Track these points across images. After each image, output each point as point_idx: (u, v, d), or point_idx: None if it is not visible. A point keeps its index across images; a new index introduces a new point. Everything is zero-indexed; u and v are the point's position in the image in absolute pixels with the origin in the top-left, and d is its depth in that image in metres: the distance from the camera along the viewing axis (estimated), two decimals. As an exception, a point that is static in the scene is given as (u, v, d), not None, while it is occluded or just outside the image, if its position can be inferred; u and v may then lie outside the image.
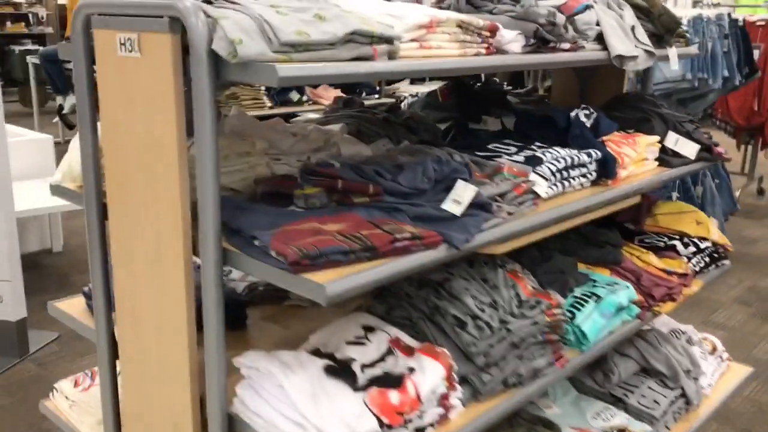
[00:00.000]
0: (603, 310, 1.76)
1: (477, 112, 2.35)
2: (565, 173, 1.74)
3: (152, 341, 1.48)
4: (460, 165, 1.52)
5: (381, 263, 1.27)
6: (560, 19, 1.73)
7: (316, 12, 1.31)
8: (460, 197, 1.44)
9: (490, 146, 1.86)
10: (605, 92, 2.50)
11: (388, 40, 1.36)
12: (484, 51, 1.59)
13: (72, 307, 1.91)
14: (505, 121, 2.37)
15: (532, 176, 1.65)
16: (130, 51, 1.34)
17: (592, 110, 2.00)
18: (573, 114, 1.96)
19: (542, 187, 1.65)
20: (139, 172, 1.40)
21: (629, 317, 1.87)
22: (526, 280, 1.66)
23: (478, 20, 1.57)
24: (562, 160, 1.74)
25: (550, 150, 1.77)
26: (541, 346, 1.58)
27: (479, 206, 1.46)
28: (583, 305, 1.75)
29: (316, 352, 1.44)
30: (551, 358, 1.61)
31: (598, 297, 1.78)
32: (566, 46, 1.79)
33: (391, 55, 1.37)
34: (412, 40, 1.45)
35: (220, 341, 1.33)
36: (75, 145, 1.64)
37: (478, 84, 2.67)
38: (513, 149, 1.83)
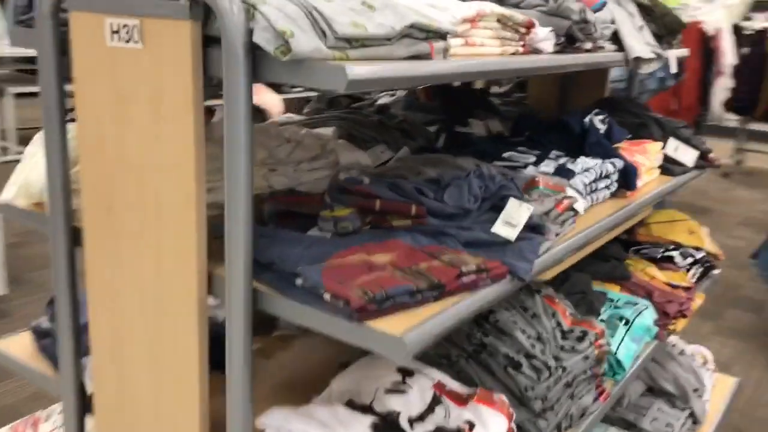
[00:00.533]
0: (633, 335, 1.63)
1: (462, 115, 2.17)
2: (593, 185, 1.59)
3: (146, 397, 1.21)
4: (507, 181, 1.33)
5: (450, 303, 1.06)
6: (591, 16, 1.57)
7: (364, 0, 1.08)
8: (513, 219, 1.25)
9: (505, 155, 1.68)
10: (586, 96, 2.37)
11: (443, 36, 1.15)
12: (521, 49, 1.41)
13: (15, 347, 1.58)
14: (490, 124, 2.21)
15: (569, 190, 1.49)
16: (127, 41, 1.07)
17: (605, 116, 1.85)
18: (587, 120, 1.81)
19: (580, 203, 1.49)
20: (135, 192, 1.13)
21: (649, 338, 1.74)
22: (563, 305, 1.49)
23: (517, 15, 1.38)
24: (592, 172, 1.58)
25: (577, 160, 1.61)
26: (587, 381, 1.42)
27: (530, 228, 1.28)
28: (614, 330, 1.60)
29: (352, 404, 1.21)
30: (595, 393, 1.45)
31: (627, 320, 1.64)
32: (588, 45, 1.64)
33: (445, 53, 1.16)
34: (457, 36, 1.25)
35: (247, 407, 1.08)
36: (33, 153, 1.34)
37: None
38: (531, 158, 1.66)
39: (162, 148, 1.07)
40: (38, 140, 1.34)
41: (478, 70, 1.21)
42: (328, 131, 1.79)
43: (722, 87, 5.83)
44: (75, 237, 1.28)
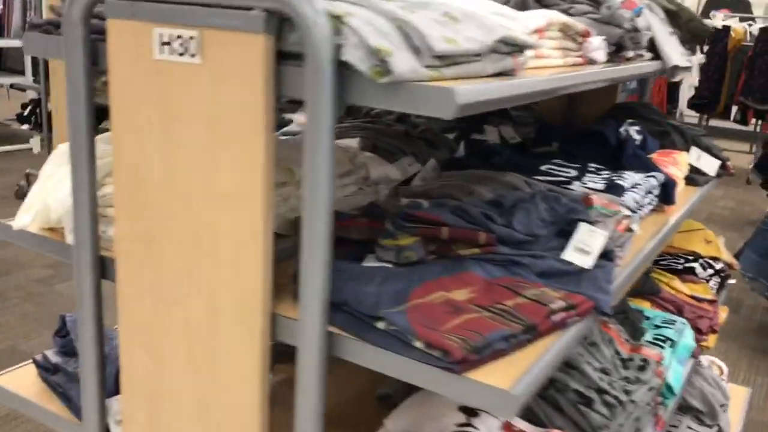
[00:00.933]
0: (679, 357, 1.56)
1: (477, 121, 2.08)
2: (641, 202, 1.52)
3: (190, 448, 1.09)
4: (574, 203, 1.25)
5: (546, 346, 0.97)
6: (641, 23, 1.49)
7: (444, 10, 0.98)
8: (587, 245, 1.17)
9: (543, 167, 1.59)
10: (596, 101, 2.31)
11: (523, 49, 1.05)
12: (580, 60, 1.33)
13: (18, 382, 1.43)
14: (503, 131, 2.13)
15: (621, 208, 1.41)
16: (181, 54, 0.94)
17: (639, 126, 1.78)
18: (623, 130, 1.74)
19: (635, 222, 1.41)
20: (183, 222, 1.00)
21: (688, 357, 1.68)
22: (615, 330, 1.42)
23: (577, 24, 1.30)
24: (641, 188, 1.51)
25: (624, 175, 1.53)
26: (649, 411, 1.35)
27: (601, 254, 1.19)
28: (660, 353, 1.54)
29: (419, 451, 1.11)
30: (653, 422, 1.38)
31: (672, 341, 1.58)
32: (630, 54, 1.56)
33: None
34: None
35: (320, 457, 0.97)
36: (50, 174, 1.19)
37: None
38: (572, 171, 1.58)
39: (221, 174, 0.95)
40: (55, 160, 1.19)
41: (574, 83, 1.12)
42: (352, 142, 1.67)
43: (690, 84, 5.89)
44: (102, 268, 1.15)
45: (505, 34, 0.97)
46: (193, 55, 0.93)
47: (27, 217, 1.16)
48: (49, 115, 4.80)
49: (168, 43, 0.95)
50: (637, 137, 1.74)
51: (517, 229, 1.16)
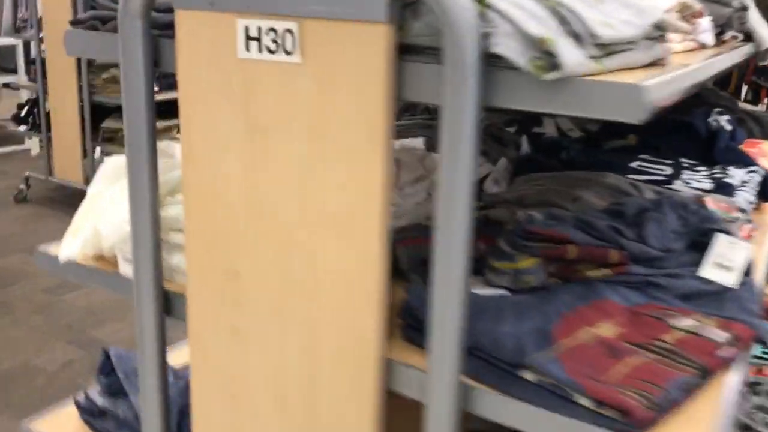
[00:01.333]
0: (791, 371, 1.41)
1: (534, 112, 1.92)
2: (752, 202, 1.36)
3: None
4: (704, 209, 1.08)
5: (718, 391, 0.81)
6: (748, 2, 1.33)
7: (585, -11, 0.81)
8: (727, 260, 1.01)
9: (633, 165, 1.43)
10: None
11: (665, 34, 0.88)
12: (693, 45, 1.16)
13: (58, 428, 1.27)
14: (559, 122, 1.97)
15: (738, 212, 1.25)
16: (274, 51, 0.77)
17: (729, 116, 1.62)
18: (712, 120, 1.57)
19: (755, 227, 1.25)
20: (276, 252, 0.83)
21: (790, 369, 1.53)
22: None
23: (694, 3, 1.13)
24: (747, 185, 1.35)
25: (729, 172, 1.37)
26: (777, 440, 1.20)
27: (738, 268, 1.03)
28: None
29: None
30: (781, 453, 1.23)
31: (783, 354, 1.42)
32: (727, 36, 1.40)
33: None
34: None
35: None
36: (99, 194, 1.02)
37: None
38: (666, 169, 1.42)
39: (326, 193, 0.78)
40: (104, 177, 1.02)
41: (722, 69, 0.95)
42: (417, 143, 1.51)
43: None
44: (167, 303, 0.98)
45: (660, 17, 0.81)
46: (289, 53, 0.76)
47: (74, 246, 0.99)
48: (47, 115, 4.60)
49: (256, 38, 0.77)
50: (728, 127, 1.57)
51: (651, 244, 0.99)
